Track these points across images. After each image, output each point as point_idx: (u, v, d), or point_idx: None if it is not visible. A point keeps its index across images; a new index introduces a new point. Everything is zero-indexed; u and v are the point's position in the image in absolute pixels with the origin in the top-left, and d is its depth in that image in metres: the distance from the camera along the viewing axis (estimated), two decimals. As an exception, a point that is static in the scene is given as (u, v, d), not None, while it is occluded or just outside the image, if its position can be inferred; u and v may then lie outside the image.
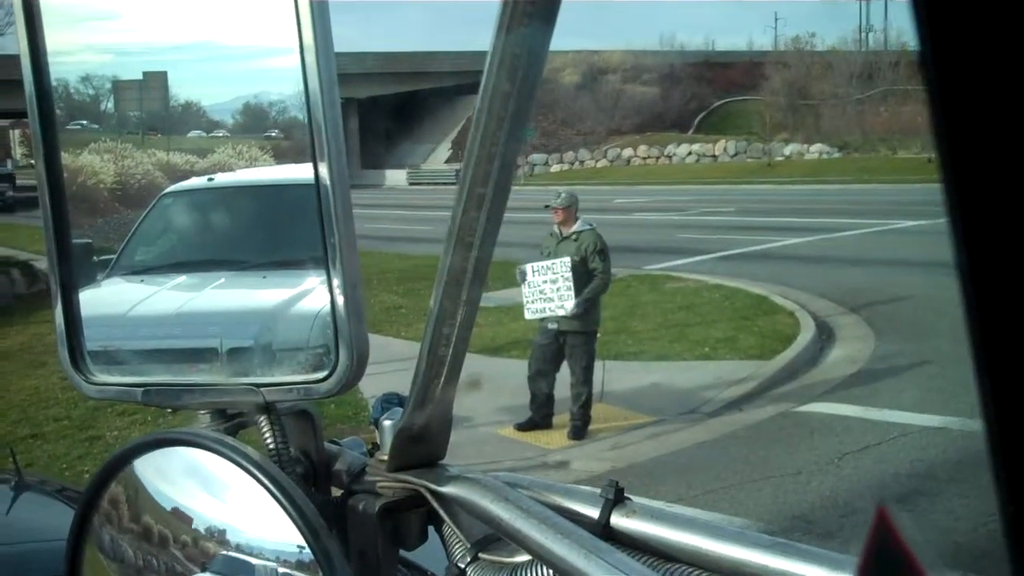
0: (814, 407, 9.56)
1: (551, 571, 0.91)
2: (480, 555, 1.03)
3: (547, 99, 63.83)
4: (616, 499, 0.98)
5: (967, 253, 0.29)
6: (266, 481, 0.99)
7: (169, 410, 1.30)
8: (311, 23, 0.96)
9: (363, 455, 1.19)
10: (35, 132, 1.18)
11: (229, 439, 1.07)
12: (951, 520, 6.28)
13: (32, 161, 1.21)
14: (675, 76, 68.03)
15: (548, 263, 8.70)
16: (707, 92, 69.76)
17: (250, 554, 1.04)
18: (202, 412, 1.21)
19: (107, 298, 1.62)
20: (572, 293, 8.52)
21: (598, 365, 9.06)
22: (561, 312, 8.60)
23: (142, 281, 2.34)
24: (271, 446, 1.14)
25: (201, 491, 1.09)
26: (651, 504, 1.01)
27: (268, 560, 1.03)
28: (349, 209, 1.03)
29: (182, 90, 1.57)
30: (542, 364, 8.98)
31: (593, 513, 0.99)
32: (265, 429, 1.15)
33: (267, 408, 1.14)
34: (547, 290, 8.65)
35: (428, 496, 1.07)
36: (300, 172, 1.03)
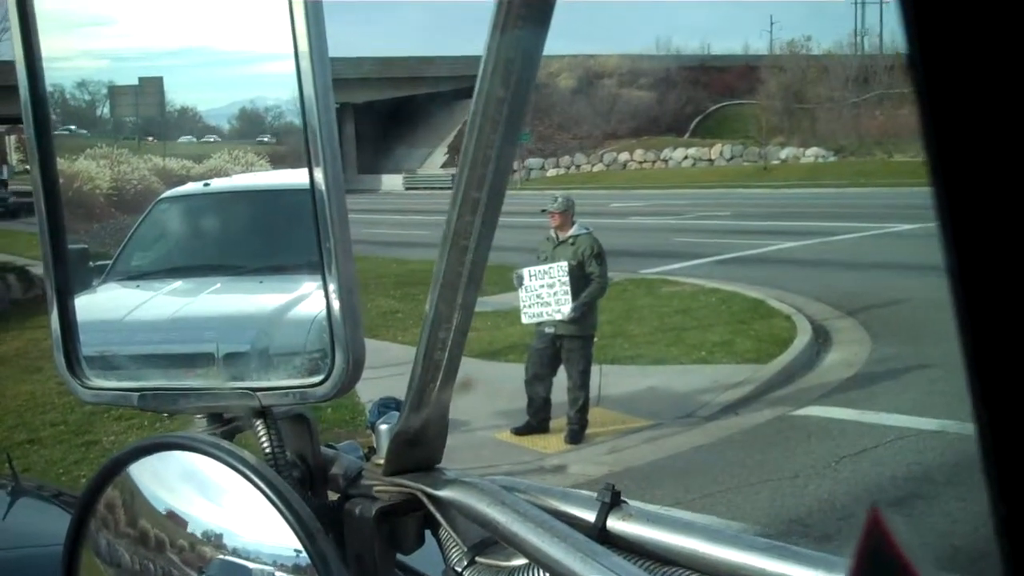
0: (811, 411, 9.56)
1: (548, 575, 0.91)
2: (477, 559, 1.03)
3: (543, 103, 63.90)
4: (612, 503, 0.98)
5: (957, 256, 0.29)
6: (262, 485, 0.99)
7: (165, 415, 1.30)
8: (306, 28, 0.96)
9: (360, 459, 1.19)
10: (30, 138, 1.19)
11: (225, 443, 1.07)
12: (948, 523, 6.28)
13: (27, 167, 1.21)
14: (671, 80, 68.10)
15: (545, 267, 8.70)
16: (703, 96, 69.84)
17: (247, 558, 1.04)
18: (198, 416, 1.21)
19: (103, 303, 1.62)
20: (569, 297, 8.53)
21: (595, 369, 9.06)
22: (558, 316, 8.61)
23: (138, 286, 2.34)
24: (267, 450, 1.13)
25: (197, 495, 1.09)
26: (648, 508, 1.01)
27: (265, 564, 1.03)
28: (345, 214, 1.03)
29: (178, 95, 1.58)
30: (539, 368, 8.98)
31: (590, 517, 0.99)
32: (261, 433, 1.14)
33: (263, 412, 1.14)
34: (544, 294, 8.66)
35: (425, 500, 1.07)
36: (295, 177, 1.03)
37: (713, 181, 52.72)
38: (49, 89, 1.18)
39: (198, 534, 1.07)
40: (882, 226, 24.50)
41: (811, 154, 58.78)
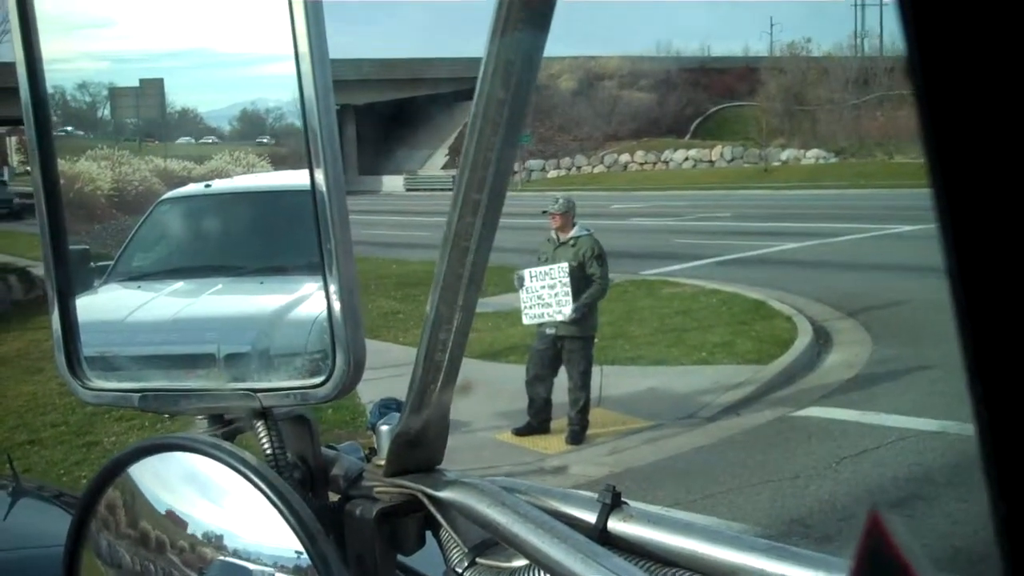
0: (812, 411, 9.56)
1: None
2: (478, 560, 1.03)
3: (544, 105, 63.92)
4: (613, 503, 0.98)
5: (957, 257, 0.29)
6: (263, 486, 0.99)
7: (166, 415, 1.30)
8: (306, 30, 0.96)
9: (360, 460, 1.19)
10: (31, 139, 1.19)
11: (226, 444, 1.07)
12: (949, 524, 6.28)
13: (28, 168, 1.21)
14: (671, 82, 68.09)
15: (546, 269, 8.71)
16: (703, 98, 69.83)
17: (247, 559, 1.04)
18: (199, 417, 1.21)
19: (104, 304, 1.62)
20: (570, 298, 8.54)
21: (596, 370, 9.06)
22: (559, 317, 8.61)
23: (139, 287, 2.34)
24: (268, 451, 1.14)
25: (198, 496, 1.09)
26: (648, 508, 1.01)
27: (265, 565, 1.03)
28: (345, 215, 1.03)
29: (179, 97, 1.58)
30: (540, 369, 8.98)
31: (590, 518, 0.99)
32: (262, 434, 1.15)
33: (264, 413, 1.14)
34: (545, 295, 8.66)
35: (425, 501, 1.07)
36: (296, 178, 1.03)
37: (714, 182, 52.73)
38: (50, 91, 1.18)
39: (199, 535, 1.07)
40: (883, 227, 24.50)
41: (812, 155, 58.79)
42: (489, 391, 9.66)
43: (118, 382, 1.27)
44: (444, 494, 1.05)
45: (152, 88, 1.39)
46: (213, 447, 1.05)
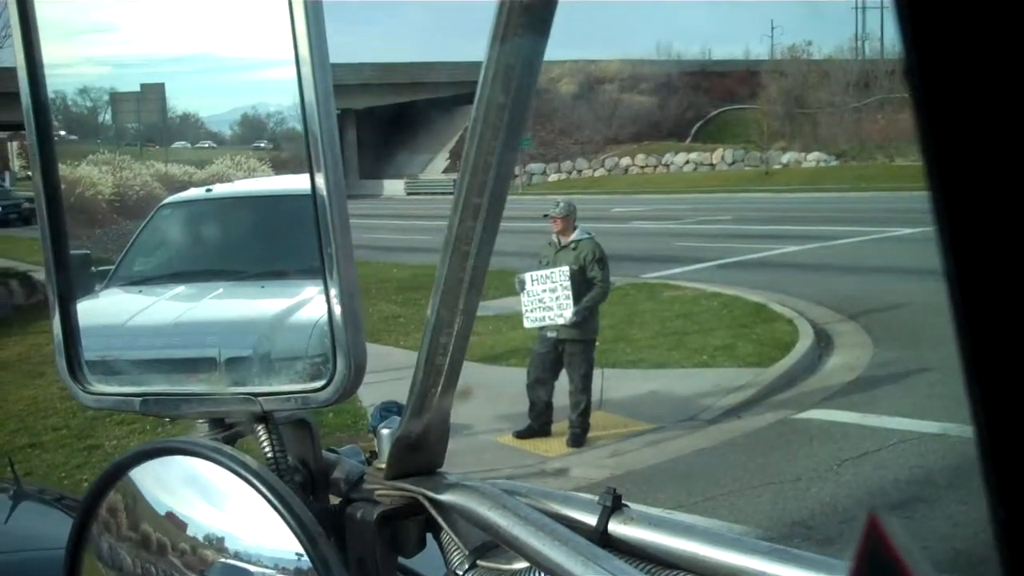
0: (813, 414, 9.55)
1: (549, 578, 0.91)
2: (478, 562, 1.03)
3: (545, 109, 63.94)
4: (614, 506, 0.98)
5: (955, 260, 0.29)
6: (264, 489, 0.99)
7: (167, 419, 1.30)
8: (307, 34, 0.96)
9: (361, 463, 1.19)
10: (32, 144, 1.19)
11: (227, 448, 1.07)
12: (950, 526, 6.27)
13: (29, 173, 1.21)
14: (672, 85, 68.09)
15: (547, 272, 8.71)
16: (704, 101, 69.84)
17: (248, 562, 1.04)
18: (200, 421, 1.21)
19: (105, 308, 1.62)
20: (571, 302, 8.54)
21: (597, 373, 9.06)
22: (560, 321, 8.61)
23: (140, 291, 2.35)
24: (269, 455, 1.14)
25: (199, 500, 1.09)
26: (649, 511, 1.01)
27: (266, 568, 1.03)
28: (346, 219, 1.03)
29: (180, 102, 1.58)
30: (541, 372, 8.98)
31: (591, 520, 0.99)
32: (263, 438, 1.15)
33: (265, 417, 1.14)
34: (546, 299, 8.67)
35: (426, 504, 1.07)
36: (297, 183, 1.03)
37: (714, 186, 52.73)
38: (51, 96, 1.19)
39: (200, 538, 1.08)
40: (883, 230, 24.49)
41: (812, 158, 58.82)
42: (490, 394, 9.66)
43: (119, 386, 1.27)
44: (445, 497, 1.05)
45: (153, 93, 1.39)
46: (214, 451, 1.05)
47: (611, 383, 9.71)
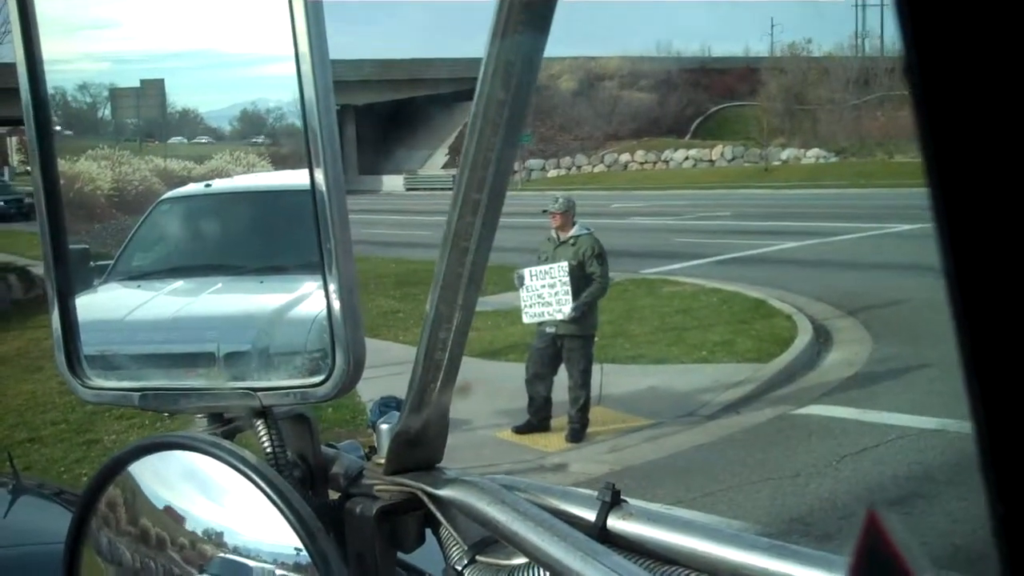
0: (812, 410, 9.56)
1: (548, 573, 0.91)
2: (477, 557, 1.03)
3: (545, 105, 63.91)
4: (613, 502, 0.98)
5: (953, 257, 0.29)
6: (263, 484, 0.99)
7: (166, 414, 1.30)
8: (306, 31, 0.96)
9: (360, 458, 1.19)
10: (31, 139, 1.19)
11: (226, 443, 1.07)
12: (949, 522, 6.28)
13: (28, 168, 1.21)
14: (672, 82, 68.06)
15: (546, 267, 8.72)
16: (704, 98, 69.82)
17: (247, 557, 1.05)
18: (199, 416, 1.22)
19: (104, 303, 1.62)
20: (570, 297, 8.54)
21: (596, 368, 9.07)
22: (559, 316, 8.62)
23: (139, 286, 2.34)
24: (268, 450, 1.14)
25: (198, 494, 1.09)
26: (648, 506, 1.02)
27: (265, 563, 1.03)
28: (345, 214, 1.03)
29: (179, 97, 1.58)
30: (540, 368, 8.99)
31: (590, 516, 0.99)
32: (262, 433, 1.15)
33: (264, 412, 1.14)
34: (545, 294, 8.67)
35: (425, 499, 1.07)
36: (296, 178, 1.03)
37: (714, 182, 52.72)
38: (50, 91, 1.18)
39: (199, 532, 1.08)
40: (883, 226, 24.50)
41: (812, 155, 58.77)
42: (489, 389, 9.66)
43: (118, 381, 1.27)
44: (444, 492, 1.06)
45: (153, 89, 1.39)
46: (213, 446, 1.05)
47: (610, 379, 9.71)
